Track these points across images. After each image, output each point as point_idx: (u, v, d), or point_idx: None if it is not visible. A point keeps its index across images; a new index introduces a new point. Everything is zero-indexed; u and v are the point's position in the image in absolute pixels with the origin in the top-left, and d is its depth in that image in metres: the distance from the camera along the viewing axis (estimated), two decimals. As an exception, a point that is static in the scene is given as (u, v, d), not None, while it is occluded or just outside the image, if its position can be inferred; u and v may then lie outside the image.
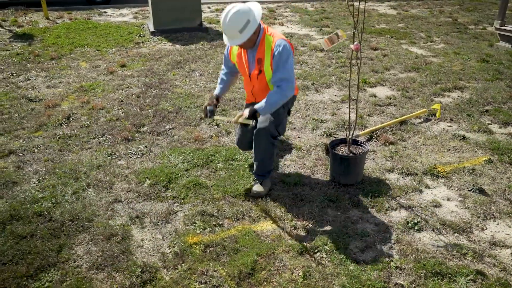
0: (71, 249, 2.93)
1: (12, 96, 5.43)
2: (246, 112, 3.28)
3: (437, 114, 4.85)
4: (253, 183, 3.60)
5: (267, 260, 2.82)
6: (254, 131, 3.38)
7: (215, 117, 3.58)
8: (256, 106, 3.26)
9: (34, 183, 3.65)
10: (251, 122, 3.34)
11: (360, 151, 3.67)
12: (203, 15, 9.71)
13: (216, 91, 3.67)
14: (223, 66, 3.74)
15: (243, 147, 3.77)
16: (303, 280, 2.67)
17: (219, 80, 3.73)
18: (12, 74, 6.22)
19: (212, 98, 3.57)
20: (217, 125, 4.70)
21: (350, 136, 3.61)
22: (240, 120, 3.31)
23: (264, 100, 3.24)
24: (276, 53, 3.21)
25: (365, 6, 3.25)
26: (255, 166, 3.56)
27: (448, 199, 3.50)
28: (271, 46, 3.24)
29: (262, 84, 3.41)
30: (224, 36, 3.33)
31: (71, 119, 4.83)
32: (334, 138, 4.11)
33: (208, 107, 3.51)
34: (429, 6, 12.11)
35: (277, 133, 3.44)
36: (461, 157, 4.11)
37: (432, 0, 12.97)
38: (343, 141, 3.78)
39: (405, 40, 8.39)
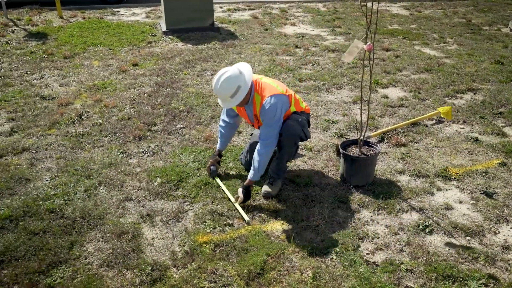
0: (82, 246, 2.95)
1: (26, 94, 5.49)
2: (240, 193, 3.34)
3: (445, 114, 4.78)
4: (263, 182, 3.60)
5: (276, 261, 2.82)
6: (282, 134, 3.40)
7: (218, 181, 3.66)
8: (249, 177, 3.39)
9: (47, 180, 3.69)
10: (249, 201, 3.43)
11: (371, 152, 3.65)
12: (215, 14, 9.73)
13: (218, 146, 3.84)
14: (224, 117, 3.77)
15: (248, 164, 3.81)
16: (313, 281, 2.66)
17: (219, 134, 3.83)
18: (26, 72, 6.29)
19: (215, 156, 3.78)
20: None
21: (362, 137, 3.60)
22: (238, 204, 3.34)
23: (252, 167, 3.38)
24: (262, 110, 3.34)
25: (378, 7, 3.23)
26: (272, 164, 3.58)
27: (460, 202, 3.47)
28: (259, 104, 3.36)
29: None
30: (218, 98, 3.46)
31: (83, 117, 4.88)
32: (345, 139, 4.10)
33: (211, 167, 3.71)
34: (443, 7, 12.00)
35: (304, 135, 3.53)
36: (473, 160, 4.07)
37: (445, 1, 12.86)
38: (354, 142, 3.77)
39: (418, 41, 8.32)
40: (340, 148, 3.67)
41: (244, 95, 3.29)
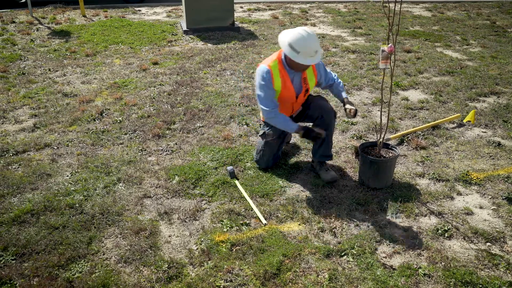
0: (100, 241, 3.00)
1: (48, 91, 5.59)
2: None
3: (471, 120, 4.72)
4: (320, 171, 3.74)
5: (293, 261, 2.81)
6: (323, 115, 3.62)
7: (236, 183, 3.66)
8: (344, 95, 3.76)
9: (67, 176, 3.75)
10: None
11: (390, 155, 3.61)
12: (236, 14, 9.75)
13: (297, 125, 3.55)
14: (271, 103, 3.51)
15: (267, 163, 3.86)
16: (329, 283, 2.65)
17: (283, 119, 3.54)
18: (49, 70, 6.41)
19: (305, 127, 3.55)
20: (247, 124, 4.71)
21: (381, 139, 3.57)
22: (254, 205, 3.38)
23: (341, 88, 3.80)
24: (317, 66, 3.67)
25: (400, 8, 3.20)
26: (321, 148, 3.69)
27: (481, 207, 3.41)
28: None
29: (303, 100, 3.79)
30: (303, 57, 3.34)
31: (104, 114, 4.94)
32: (364, 141, 4.06)
33: (228, 168, 3.73)
34: (466, 8, 11.80)
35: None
36: (495, 164, 4.00)
37: (469, 2, 12.64)
38: (373, 144, 3.74)
39: (440, 43, 8.20)
40: (359, 150, 3.64)
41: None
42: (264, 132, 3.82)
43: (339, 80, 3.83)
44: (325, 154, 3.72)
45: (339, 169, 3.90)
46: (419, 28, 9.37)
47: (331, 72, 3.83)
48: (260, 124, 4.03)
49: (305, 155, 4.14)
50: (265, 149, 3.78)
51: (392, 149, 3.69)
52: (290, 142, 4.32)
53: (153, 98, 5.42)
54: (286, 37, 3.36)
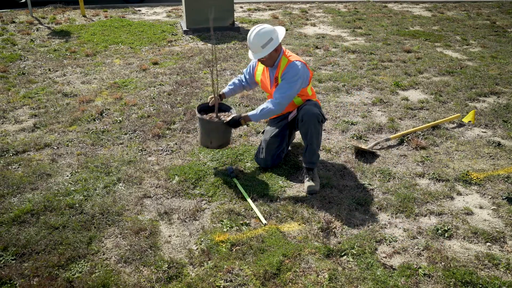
0: (100, 241, 2.99)
1: (48, 91, 5.59)
2: (230, 117, 3.60)
3: (472, 120, 4.71)
4: (305, 178, 3.64)
5: (293, 261, 2.81)
6: (303, 118, 3.53)
7: (235, 181, 3.65)
8: (249, 113, 3.58)
9: (67, 176, 3.75)
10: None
11: (222, 118, 3.66)
12: (235, 14, 9.75)
13: (224, 90, 4.02)
14: (245, 74, 4.03)
15: (265, 162, 3.85)
16: (329, 283, 2.65)
17: (231, 82, 4.05)
18: (49, 70, 6.41)
19: (216, 96, 3.73)
20: (247, 124, 4.71)
21: (215, 94, 3.69)
22: (251, 201, 3.41)
23: (258, 109, 3.58)
24: (286, 69, 3.54)
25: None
26: (304, 156, 3.64)
27: (481, 207, 3.41)
28: (284, 66, 3.56)
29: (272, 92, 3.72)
30: (249, 51, 3.63)
31: (104, 114, 4.94)
32: (363, 141, 4.05)
33: (228, 167, 3.78)
34: (466, 8, 11.79)
35: (322, 116, 3.63)
36: (495, 164, 4.00)
37: (469, 2, 12.64)
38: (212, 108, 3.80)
39: (440, 43, 8.20)
40: (195, 110, 3.77)
41: (273, 49, 3.46)
42: (264, 130, 3.93)
43: (271, 103, 3.51)
44: (307, 161, 3.63)
45: (339, 169, 3.90)
46: (419, 28, 9.37)
47: (284, 92, 3.48)
48: (266, 122, 4.07)
49: (305, 155, 4.14)
50: (264, 148, 3.79)
51: (231, 112, 3.80)
52: (292, 142, 4.31)
53: (153, 98, 5.42)
54: None
